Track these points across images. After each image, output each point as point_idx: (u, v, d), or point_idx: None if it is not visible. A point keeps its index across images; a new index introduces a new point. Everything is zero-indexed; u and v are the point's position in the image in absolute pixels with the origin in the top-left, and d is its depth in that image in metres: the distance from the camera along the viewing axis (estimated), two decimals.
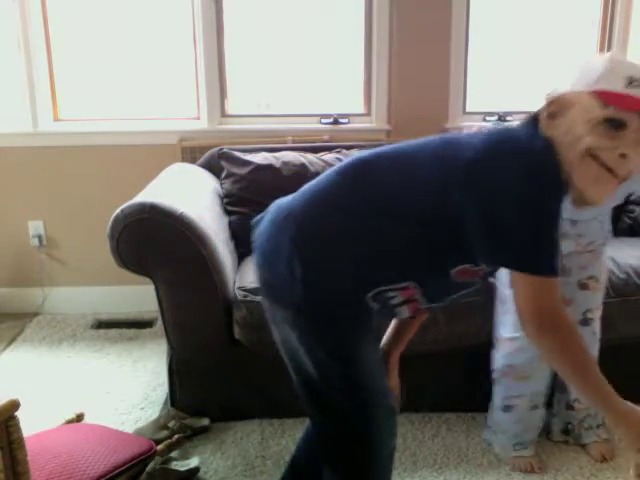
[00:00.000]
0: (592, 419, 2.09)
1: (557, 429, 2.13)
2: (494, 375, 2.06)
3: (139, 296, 3.05)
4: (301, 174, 2.65)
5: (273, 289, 1.37)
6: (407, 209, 1.23)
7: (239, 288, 2.14)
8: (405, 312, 1.35)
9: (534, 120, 1.22)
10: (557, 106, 1.19)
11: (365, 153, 1.34)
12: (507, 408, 2.05)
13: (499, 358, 2.04)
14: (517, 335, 1.97)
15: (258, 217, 1.42)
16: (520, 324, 1.20)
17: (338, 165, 1.35)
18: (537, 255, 1.14)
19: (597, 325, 2.04)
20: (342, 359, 1.30)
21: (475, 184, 1.15)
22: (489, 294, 2.16)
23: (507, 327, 2.01)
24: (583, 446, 2.09)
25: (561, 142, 1.16)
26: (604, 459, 2.04)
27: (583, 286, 1.99)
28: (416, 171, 1.25)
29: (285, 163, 2.68)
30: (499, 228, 1.14)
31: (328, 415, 1.37)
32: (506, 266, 1.20)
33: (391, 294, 1.27)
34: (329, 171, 1.35)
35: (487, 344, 2.19)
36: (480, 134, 1.25)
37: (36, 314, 3.20)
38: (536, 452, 2.05)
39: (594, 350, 2.02)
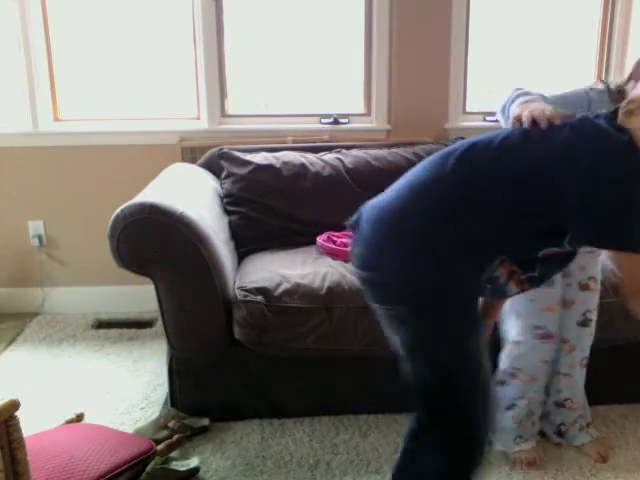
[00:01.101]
0: (582, 419, 2.09)
1: (550, 432, 2.13)
2: (500, 376, 2.04)
3: (139, 296, 3.05)
4: (301, 174, 2.66)
5: (384, 289, 1.42)
6: (508, 199, 1.34)
7: (239, 288, 2.14)
8: (513, 288, 1.49)
9: (613, 115, 1.36)
10: (635, 105, 1.32)
11: (464, 142, 1.44)
12: (511, 407, 2.04)
13: (505, 359, 2.04)
14: (521, 340, 1.98)
15: (352, 220, 1.51)
16: (626, 299, 1.34)
17: (434, 158, 1.45)
18: (637, 235, 1.27)
19: (594, 326, 2.04)
20: (453, 345, 1.40)
21: (576, 171, 1.27)
22: None
23: (512, 330, 2.01)
24: (578, 448, 2.09)
25: (637, 136, 1.29)
26: (603, 459, 2.03)
27: (584, 287, 1.99)
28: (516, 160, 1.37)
29: (285, 163, 2.68)
30: (601, 212, 1.27)
31: (442, 415, 1.47)
32: (609, 247, 1.38)
33: (496, 274, 1.41)
34: (425, 164, 1.46)
35: (487, 344, 2.19)
36: (561, 127, 1.37)
37: (36, 314, 3.20)
38: (536, 447, 2.05)
39: (587, 350, 2.04)
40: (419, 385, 1.49)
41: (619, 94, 1.75)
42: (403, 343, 1.44)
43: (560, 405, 2.08)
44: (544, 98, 1.72)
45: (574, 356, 2.03)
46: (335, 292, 2.13)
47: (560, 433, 2.11)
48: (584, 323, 2.01)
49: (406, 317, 1.40)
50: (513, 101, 1.68)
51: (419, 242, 1.37)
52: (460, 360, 1.41)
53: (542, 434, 2.13)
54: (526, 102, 1.60)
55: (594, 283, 2.01)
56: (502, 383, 2.05)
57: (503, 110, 1.77)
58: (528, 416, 2.04)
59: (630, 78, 1.75)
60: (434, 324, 1.38)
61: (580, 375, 2.06)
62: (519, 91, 1.75)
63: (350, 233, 1.51)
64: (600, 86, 1.84)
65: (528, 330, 1.97)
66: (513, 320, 2.01)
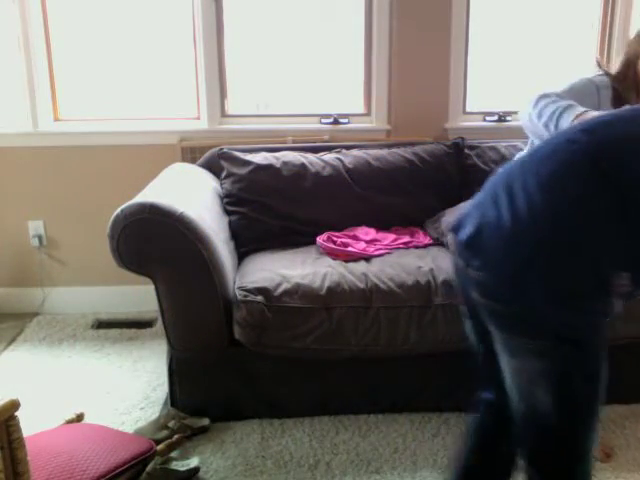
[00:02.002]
0: None
1: None
2: None
3: (139, 296, 3.06)
4: (301, 174, 2.66)
5: (522, 322, 1.24)
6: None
7: (239, 288, 2.14)
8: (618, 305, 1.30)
9: None
10: None
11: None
12: None
13: None
14: None
15: (455, 224, 1.34)
16: None
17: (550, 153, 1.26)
18: None
19: None
20: (594, 378, 1.26)
21: None
22: None
23: None
24: None
25: None
26: (608, 457, 2.03)
27: None
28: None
29: (285, 163, 2.68)
30: None
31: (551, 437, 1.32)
32: None
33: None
34: (537, 158, 1.28)
35: None
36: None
37: (36, 314, 3.20)
38: None
39: None
40: (533, 419, 1.34)
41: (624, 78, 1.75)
42: (530, 374, 1.29)
43: None
44: (559, 95, 1.71)
45: None
46: (335, 292, 2.13)
47: None
48: None
49: (544, 350, 1.24)
50: (561, 114, 1.61)
51: (567, 268, 1.17)
52: (594, 394, 1.27)
53: None
54: (579, 116, 1.56)
55: None
56: None
57: (546, 124, 1.69)
58: None
59: (629, 61, 1.76)
60: (581, 357, 1.24)
61: None
62: (546, 99, 1.69)
63: (461, 248, 1.33)
64: (600, 72, 1.84)
65: None
66: None
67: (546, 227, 1.19)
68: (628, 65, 1.80)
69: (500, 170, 1.41)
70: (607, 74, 1.83)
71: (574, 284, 1.19)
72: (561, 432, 1.30)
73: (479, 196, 1.44)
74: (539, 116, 1.70)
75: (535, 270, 1.19)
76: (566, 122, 1.59)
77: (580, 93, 1.77)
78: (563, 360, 1.24)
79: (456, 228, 1.39)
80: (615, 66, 1.84)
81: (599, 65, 1.86)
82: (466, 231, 1.32)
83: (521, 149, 2.81)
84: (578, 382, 1.25)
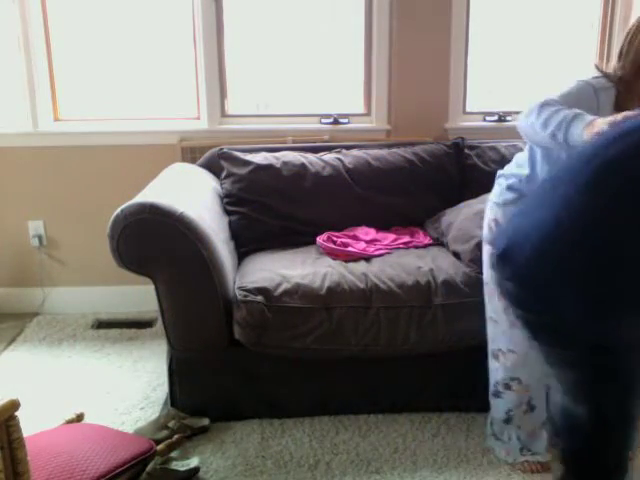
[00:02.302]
0: None
1: None
2: (497, 387, 2.02)
3: (139, 296, 3.06)
4: (301, 174, 2.66)
5: (546, 329, 1.23)
6: None
7: (239, 288, 2.14)
8: None
9: None
10: None
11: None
12: (508, 420, 2.02)
13: (500, 370, 2.01)
14: (515, 349, 1.95)
15: (500, 249, 1.29)
16: None
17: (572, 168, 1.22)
18: None
19: None
20: (628, 390, 1.26)
21: None
22: None
23: (502, 340, 1.99)
24: None
25: None
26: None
27: None
28: None
29: (285, 163, 2.68)
30: None
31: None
32: None
33: None
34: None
35: (487, 344, 2.19)
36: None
37: (36, 314, 3.20)
38: (546, 457, 2.01)
39: None
40: (571, 425, 1.34)
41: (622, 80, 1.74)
42: (566, 383, 1.29)
43: None
44: (561, 102, 1.69)
45: None
46: (335, 292, 2.13)
47: None
48: None
49: (576, 361, 1.23)
50: (569, 124, 1.59)
51: (601, 277, 1.14)
52: (628, 406, 1.27)
53: None
54: (588, 125, 1.54)
55: None
56: (496, 395, 2.03)
57: (553, 134, 1.66)
58: (528, 424, 2.00)
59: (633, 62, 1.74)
60: (614, 368, 1.22)
61: None
62: (549, 107, 1.67)
63: (497, 261, 1.30)
64: (597, 74, 1.82)
65: (523, 340, 1.91)
66: (506, 329, 1.97)
67: (585, 228, 1.15)
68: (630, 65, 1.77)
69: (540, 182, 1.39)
70: (606, 75, 1.82)
71: (611, 292, 1.14)
72: (596, 442, 1.29)
73: (517, 208, 1.40)
74: (544, 126, 1.67)
75: (568, 277, 1.15)
76: (576, 131, 1.56)
77: (578, 97, 1.75)
78: (596, 371, 1.21)
79: (494, 241, 1.38)
80: (616, 66, 1.82)
81: (598, 69, 1.84)
82: (501, 242, 1.30)
83: (521, 149, 2.81)
84: (612, 393, 1.23)
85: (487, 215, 2.05)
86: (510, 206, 1.94)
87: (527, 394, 1.99)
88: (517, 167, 1.99)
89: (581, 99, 1.74)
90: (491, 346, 2.04)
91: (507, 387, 2.00)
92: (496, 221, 2.00)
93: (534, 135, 1.74)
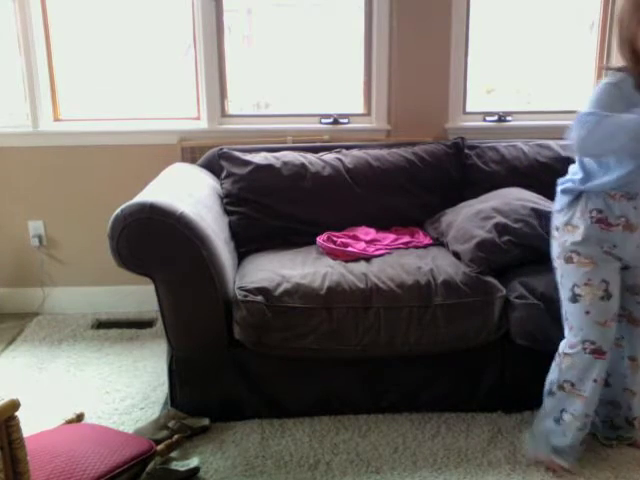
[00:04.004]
0: None
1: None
2: (548, 386, 2.02)
3: (139, 296, 3.06)
4: (301, 174, 2.66)
5: None
6: None
7: (239, 288, 2.14)
8: None
9: None
10: None
11: None
12: (557, 420, 2.00)
13: (555, 370, 2.00)
14: (571, 352, 1.94)
15: None
16: None
17: None
18: None
19: None
20: None
21: None
22: (488, 295, 2.16)
23: (563, 341, 1.98)
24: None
25: None
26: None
27: None
28: None
29: (285, 163, 2.68)
30: None
31: None
32: None
33: None
34: None
35: (487, 344, 2.19)
36: None
37: (36, 314, 3.20)
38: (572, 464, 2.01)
39: None
40: None
41: None
42: None
43: (630, 423, 2.07)
44: (593, 113, 1.74)
45: None
46: (335, 292, 2.13)
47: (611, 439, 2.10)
48: None
49: None
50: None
51: None
52: None
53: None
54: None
55: None
56: (550, 393, 2.01)
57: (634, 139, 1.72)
58: (573, 436, 1.98)
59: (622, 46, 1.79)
60: None
61: None
62: (594, 118, 1.73)
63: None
64: (619, 75, 1.82)
65: (580, 343, 1.91)
66: (566, 331, 1.97)
67: None
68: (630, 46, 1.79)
69: None
70: (616, 69, 1.83)
71: None
72: None
73: None
74: (610, 135, 1.72)
75: None
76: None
77: (609, 98, 1.77)
78: None
79: None
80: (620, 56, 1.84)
81: (607, 68, 1.86)
82: None
83: (521, 149, 2.81)
84: None
85: (552, 224, 2.04)
86: (567, 211, 1.95)
87: (578, 400, 1.96)
88: (571, 174, 1.98)
89: (612, 98, 1.77)
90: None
91: (560, 388, 1.98)
92: (557, 228, 1.99)
93: (593, 147, 1.78)
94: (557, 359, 1.99)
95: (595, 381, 1.92)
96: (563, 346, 1.97)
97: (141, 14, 3.09)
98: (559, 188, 2.00)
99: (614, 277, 1.90)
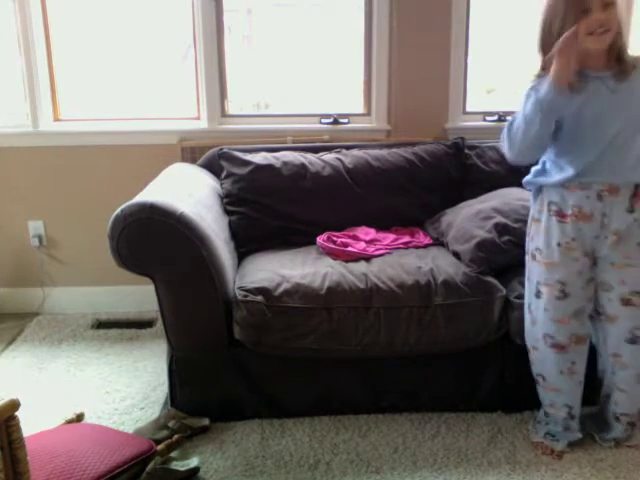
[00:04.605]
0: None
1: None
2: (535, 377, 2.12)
3: (139, 296, 3.05)
4: (301, 174, 2.66)
5: None
6: None
7: (239, 288, 2.14)
8: None
9: None
10: None
11: None
12: (546, 414, 2.11)
13: (532, 363, 2.11)
14: (537, 346, 2.03)
15: None
16: None
17: None
18: None
19: None
20: None
21: None
22: (488, 295, 2.16)
23: (529, 336, 2.07)
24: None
25: None
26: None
27: (626, 302, 1.93)
28: None
29: (285, 163, 2.68)
30: None
31: None
32: None
33: None
34: None
35: (487, 344, 2.19)
36: None
37: (36, 314, 3.20)
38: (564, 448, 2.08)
39: None
40: None
41: None
42: None
43: (617, 419, 2.09)
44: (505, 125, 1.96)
45: (629, 373, 2.01)
46: (335, 292, 2.13)
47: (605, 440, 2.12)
48: (633, 341, 1.96)
49: None
50: (530, 100, 1.82)
51: None
52: None
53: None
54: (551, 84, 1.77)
55: (638, 298, 1.93)
56: (537, 383, 2.12)
57: (529, 113, 1.83)
58: (564, 425, 2.08)
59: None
60: None
61: (636, 392, 2.03)
62: (505, 128, 1.95)
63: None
64: (540, 78, 1.87)
65: (542, 338, 2.01)
66: (529, 326, 2.05)
67: None
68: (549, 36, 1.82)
69: None
70: (540, 74, 1.86)
71: None
72: None
73: None
74: (522, 119, 1.84)
75: None
76: (542, 93, 1.77)
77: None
78: None
79: None
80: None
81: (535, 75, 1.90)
82: None
83: None
84: None
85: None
86: (532, 204, 2.02)
87: (556, 394, 2.06)
88: (533, 167, 2.03)
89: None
90: None
91: (537, 382, 2.11)
92: (528, 221, 2.06)
93: (522, 149, 1.88)
94: (530, 353, 2.09)
95: (562, 372, 2.00)
96: (529, 339, 2.06)
97: (141, 14, 3.09)
98: (524, 180, 2.05)
99: (573, 278, 1.93)
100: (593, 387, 2.12)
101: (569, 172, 1.87)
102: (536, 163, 2.01)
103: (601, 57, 1.83)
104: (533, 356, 2.08)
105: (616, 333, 1.98)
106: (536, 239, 1.99)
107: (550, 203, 1.93)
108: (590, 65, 1.83)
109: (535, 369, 2.09)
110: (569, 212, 1.88)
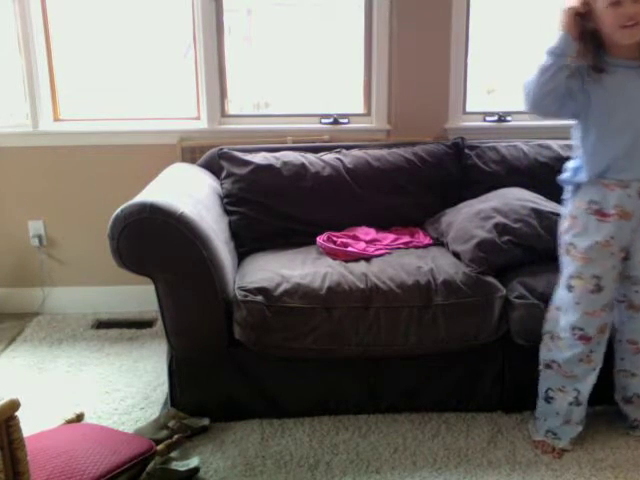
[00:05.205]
0: None
1: (625, 424, 2.17)
2: (540, 367, 2.10)
3: (139, 296, 3.05)
4: (301, 174, 2.66)
5: None
6: None
7: (239, 288, 2.14)
8: None
9: None
10: None
11: None
12: (549, 399, 2.09)
13: (543, 351, 2.09)
14: (562, 336, 2.01)
15: None
16: None
17: None
18: None
19: None
20: None
21: None
22: (488, 295, 2.16)
23: (553, 323, 2.05)
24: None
25: None
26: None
27: None
28: None
29: (285, 163, 2.68)
30: None
31: None
32: None
33: None
34: None
35: (487, 344, 2.19)
36: None
37: (36, 314, 3.20)
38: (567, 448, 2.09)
39: None
40: None
41: None
42: None
43: (628, 401, 2.12)
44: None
45: None
46: (335, 292, 2.13)
47: (634, 427, 2.15)
48: None
49: None
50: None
51: None
52: None
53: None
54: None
55: None
56: (541, 373, 2.11)
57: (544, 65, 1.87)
58: (567, 413, 2.07)
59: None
60: None
61: None
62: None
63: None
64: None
65: (570, 329, 2.00)
66: (555, 313, 2.05)
67: None
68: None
69: None
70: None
71: None
72: None
73: None
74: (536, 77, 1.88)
75: None
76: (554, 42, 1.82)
77: None
78: None
79: None
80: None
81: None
82: None
83: (521, 149, 2.81)
84: None
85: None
86: (568, 202, 2.01)
87: (570, 380, 2.05)
88: (569, 166, 2.03)
89: None
90: None
91: (548, 367, 2.08)
92: (562, 217, 2.05)
93: (537, 87, 1.87)
94: (545, 339, 2.07)
95: (581, 360, 2.01)
96: (550, 327, 2.05)
97: (141, 14, 3.09)
98: (560, 178, 2.05)
99: (607, 272, 1.95)
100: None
101: (604, 167, 1.88)
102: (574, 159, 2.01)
103: (632, 48, 1.83)
104: (551, 344, 2.05)
105: (637, 320, 2.02)
106: (571, 234, 1.97)
107: (590, 202, 1.92)
108: (620, 54, 1.84)
109: (549, 356, 2.06)
110: (611, 212, 1.89)
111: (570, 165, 2.01)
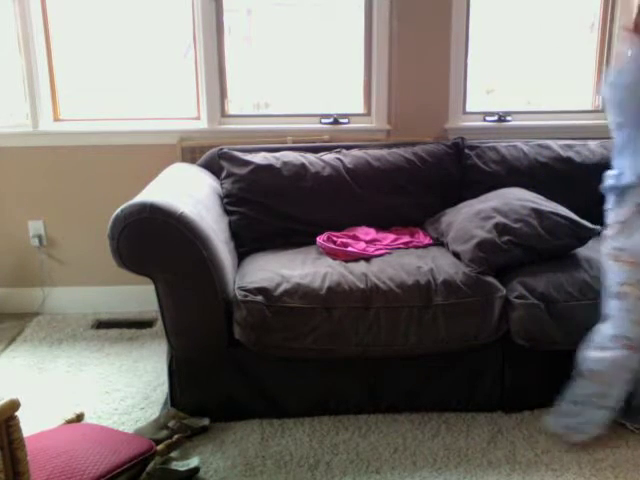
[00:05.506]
0: None
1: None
2: (575, 372, 2.07)
3: (139, 296, 3.06)
4: (301, 174, 2.66)
5: None
6: None
7: (239, 288, 2.14)
8: None
9: None
10: None
11: None
12: (575, 403, 2.08)
13: (587, 358, 2.05)
14: (609, 346, 1.99)
15: None
16: None
17: None
18: None
19: None
20: None
21: None
22: (488, 295, 2.16)
23: (600, 332, 2.03)
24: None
25: None
26: None
27: None
28: None
29: (285, 163, 2.68)
30: None
31: None
32: None
33: None
34: None
35: (487, 344, 2.19)
36: None
37: (36, 314, 3.20)
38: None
39: None
40: None
41: None
42: None
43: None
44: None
45: None
46: (335, 292, 2.13)
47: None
48: None
49: None
50: None
51: None
52: None
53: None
54: None
55: None
56: (575, 377, 2.07)
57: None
58: (591, 415, 2.06)
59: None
60: None
61: None
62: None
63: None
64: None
65: (619, 339, 1.98)
66: (601, 326, 2.02)
67: None
68: None
69: None
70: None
71: None
72: None
73: None
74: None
75: None
76: None
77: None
78: None
79: None
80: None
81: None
82: None
83: (521, 149, 2.81)
84: None
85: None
86: (614, 208, 1.99)
87: (604, 387, 2.03)
88: (611, 172, 2.03)
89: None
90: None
91: (588, 377, 2.05)
92: (607, 226, 2.03)
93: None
94: (591, 347, 2.03)
95: (630, 370, 2.00)
96: (600, 337, 2.02)
97: (141, 14, 3.09)
98: (604, 186, 2.04)
99: None
100: None
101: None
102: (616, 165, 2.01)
103: None
104: (592, 354, 2.02)
105: None
106: (617, 238, 1.96)
107: (639, 204, 1.91)
108: None
109: (589, 365, 2.03)
110: None
111: (611, 172, 2.01)
